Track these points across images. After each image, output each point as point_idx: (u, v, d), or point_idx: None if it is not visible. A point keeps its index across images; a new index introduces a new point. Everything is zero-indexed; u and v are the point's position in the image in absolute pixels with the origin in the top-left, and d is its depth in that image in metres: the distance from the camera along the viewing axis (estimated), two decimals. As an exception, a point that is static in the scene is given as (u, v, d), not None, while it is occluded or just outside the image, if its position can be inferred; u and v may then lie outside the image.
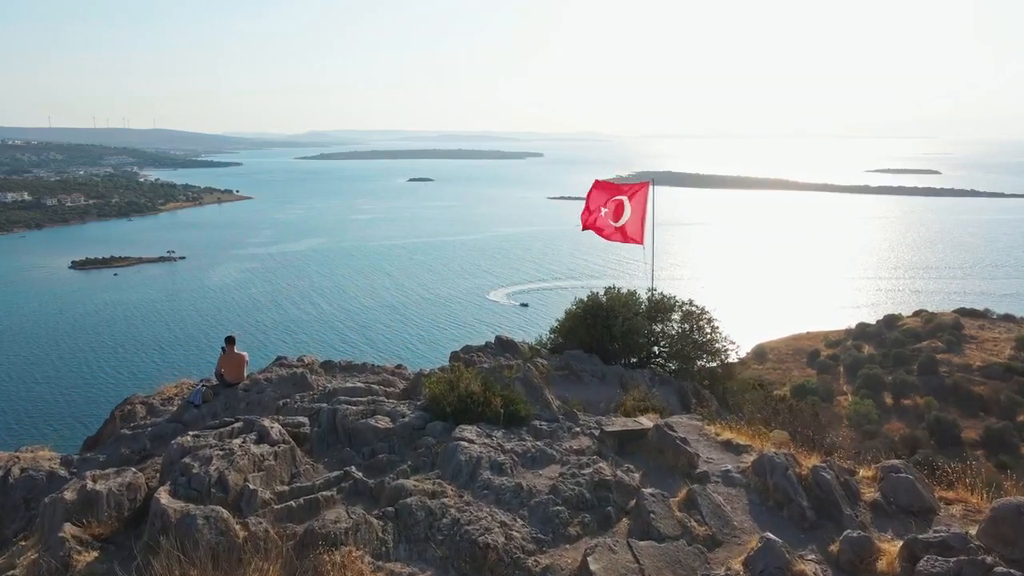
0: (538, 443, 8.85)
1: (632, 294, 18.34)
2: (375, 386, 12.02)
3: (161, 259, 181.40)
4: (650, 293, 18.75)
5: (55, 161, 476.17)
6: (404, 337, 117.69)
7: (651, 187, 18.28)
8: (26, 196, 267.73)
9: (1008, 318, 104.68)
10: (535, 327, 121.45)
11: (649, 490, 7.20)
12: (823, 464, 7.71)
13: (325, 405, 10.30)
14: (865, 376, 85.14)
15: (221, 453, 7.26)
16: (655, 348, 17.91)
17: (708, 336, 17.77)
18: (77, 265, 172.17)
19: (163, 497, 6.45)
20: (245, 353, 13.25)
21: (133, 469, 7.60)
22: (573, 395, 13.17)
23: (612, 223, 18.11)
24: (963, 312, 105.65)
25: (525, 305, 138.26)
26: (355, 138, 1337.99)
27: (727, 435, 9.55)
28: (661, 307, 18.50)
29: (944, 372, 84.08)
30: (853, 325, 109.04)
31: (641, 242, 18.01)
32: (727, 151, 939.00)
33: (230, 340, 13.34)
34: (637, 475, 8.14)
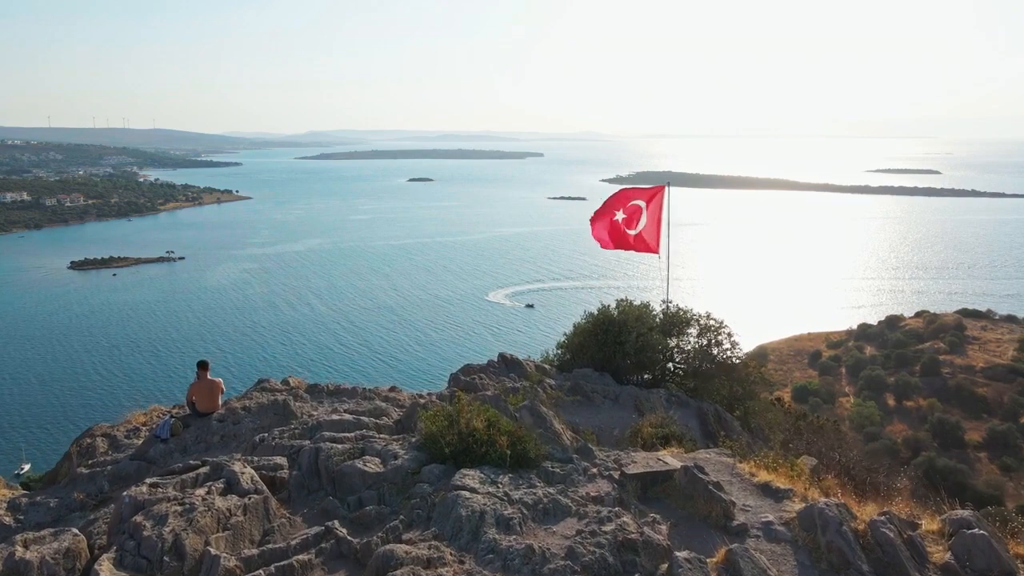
0: (550, 490, 7.74)
1: (645, 307, 16.98)
2: (365, 418, 10.67)
3: (160, 259, 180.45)
4: (665, 306, 17.48)
5: (55, 161, 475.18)
6: (402, 339, 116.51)
7: (667, 191, 17.09)
8: (25, 196, 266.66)
9: (1011, 319, 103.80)
10: (542, 328, 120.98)
11: (683, 554, 6.09)
12: (882, 517, 6.65)
13: (307, 443, 9.06)
14: (867, 377, 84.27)
15: (180, 509, 6.24)
16: (670, 364, 16.62)
17: (728, 353, 16.31)
18: (76, 265, 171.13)
19: (104, 570, 5.37)
20: (219, 380, 11.84)
21: (74, 530, 6.42)
22: (584, 420, 12.13)
23: (627, 230, 16.97)
24: (965, 313, 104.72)
25: (531, 306, 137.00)
26: (355, 138, 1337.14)
27: (764, 476, 8.68)
28: (677, 321, 17.13)
29: (947, 373, 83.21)
30: (854, 326, 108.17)
31: (657, 251, 16.95)
32: (727, 151, 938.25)
33: (203, 365, 11.92)
34: (665, 528, 7.11)
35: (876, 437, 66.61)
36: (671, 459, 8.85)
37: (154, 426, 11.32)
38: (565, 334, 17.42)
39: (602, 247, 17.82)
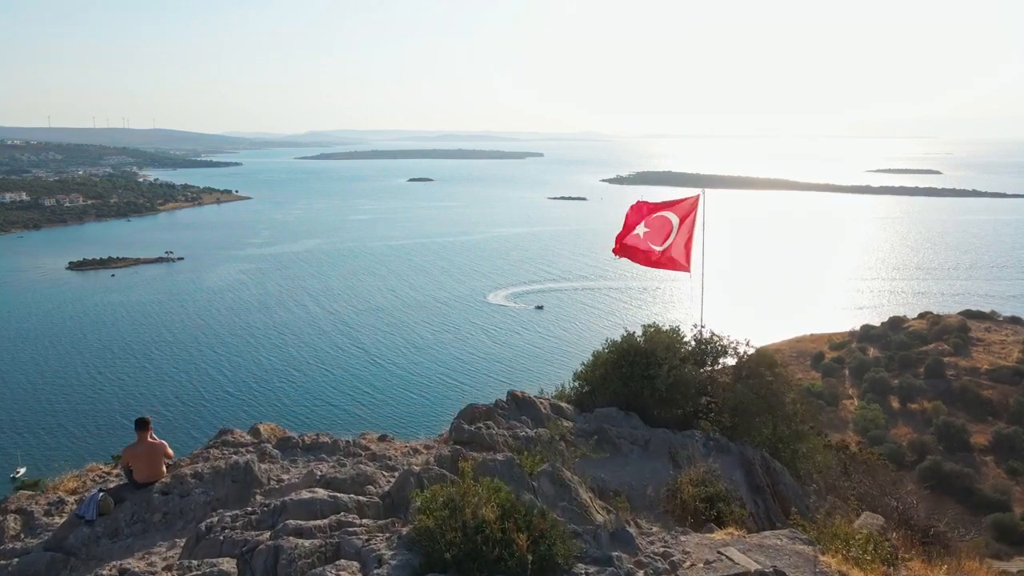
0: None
1: (675, 333, 14.86)
2: (343, 495, 8.25)
3: (159, 260, 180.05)
4: (698, 331, 15.37)
5: (54, 161, 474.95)
6: (399, 340, 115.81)
7: (702, 200, 15.16)
8: (24, 196, 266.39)
9: (1015, 320, 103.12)
10: (554, 331, 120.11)
11: None
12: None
13: (266, 536, 7.02)
14: (871, 379, 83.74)
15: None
16: (704, 397, 14.49)
17: (771, 386, 14.07)
18: (74, 266, 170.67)
19: None
20: (163, 442, 9.79)
21: None
22: (612, 475, 10.56)
23: (654, 246, 14.84)
24: (969, 314, 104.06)
25: (540, 308, 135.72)
26: (355, 138, 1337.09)
27: (856, 574, 7.34)
28: (711, 349, 15.11)
29: (951, 375, 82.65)
30: (857, 327, 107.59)
31: (688, 269, 14.94)
32: (727, 151, 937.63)
33: (142, 424, 9.64)
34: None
35: (881, 440, 66.05)
36: (737, 554, 7.34)
37: (83, 497, 9.17)
38: (583, 364, 15.42)
39: (632, 260, 15.59)
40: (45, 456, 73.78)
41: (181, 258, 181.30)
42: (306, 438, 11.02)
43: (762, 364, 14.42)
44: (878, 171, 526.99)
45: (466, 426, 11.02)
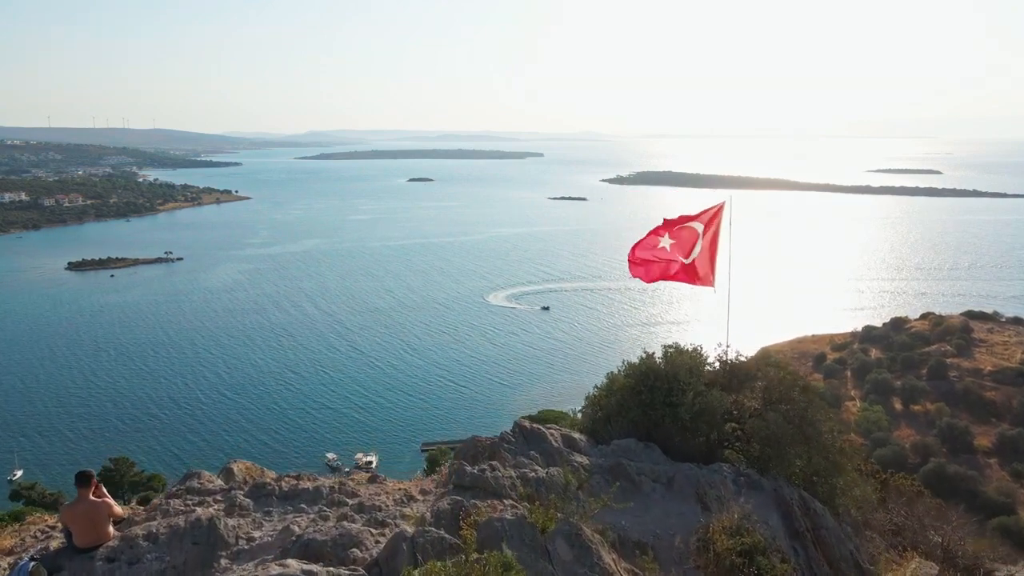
0: None
1: (698, 354, 13.27)
2: (320, 567, 6.94)
3: (158, 260, 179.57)
4: (723, 352, 13.66)
5: (54, 161, 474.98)
6: (397, 344, 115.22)
7: (728, 207, 14.01)
8: (23, 196, 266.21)
9: (1018, 321, 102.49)
10: (563, 331, 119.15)
11: None
12: None
13: None
14: (874, 381, 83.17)
15: None
16: (730, 424, 13.07)
17: (805, 413, 12.59)
18: (73, 266, 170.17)
19: None
20: (108, 501, 8.15)
21: None
22: (634, 523, 9.37)
23: (680, 258, 13.65)
24: (971, 315, 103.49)
25: (546, 308, 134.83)
26: (355, 138, 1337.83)
27: None
28: (739, 373, 13.55)
29: (954, 377, 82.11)
30: (859, 328, 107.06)
31: (712, 284, 13.74)
32: (727, 151, 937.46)
33: (83, 479, 8.05)
34: None
35: (884, 443, 65.50)
36: None
37: (17, 562, 7.71)
38: (596, 387, 13.96)
39: (644, 280, 14.24)
40: (41, 459, 73.37)
41: (180, 258, 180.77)
42: (284, 483, 9.68)
43: (794, 387, 12.95)
44: (878, 171, 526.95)
45: (468, 468, 9.80)
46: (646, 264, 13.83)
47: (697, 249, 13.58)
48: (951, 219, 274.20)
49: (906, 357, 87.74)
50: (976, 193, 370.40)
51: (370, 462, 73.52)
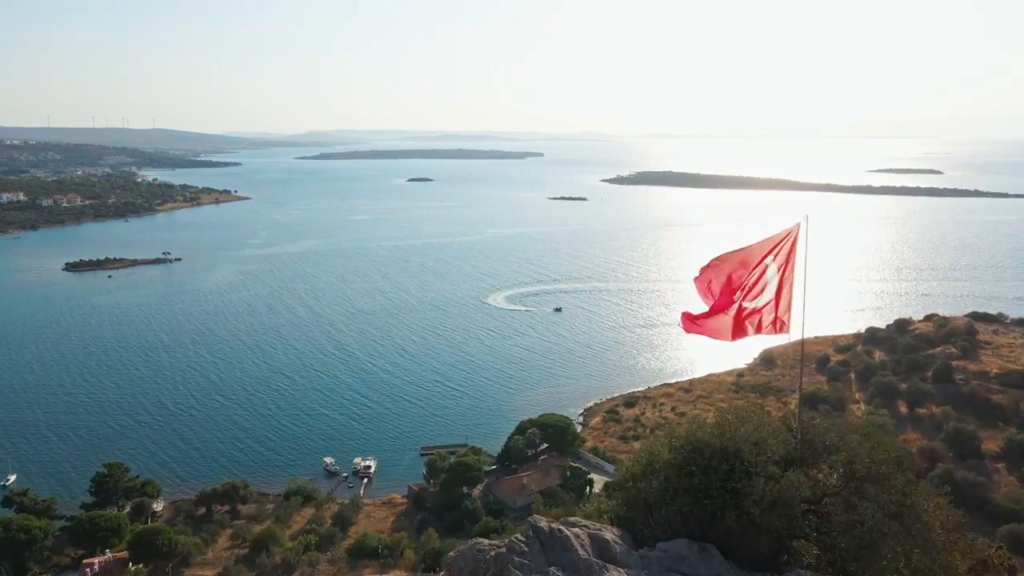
0: None
1: (763, 421, 10.20)
2: None
3: (157, 260, 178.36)
4: (795, 419, 10.60)
5: (53, 161, 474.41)
6: (393, 347, 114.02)
7: (803, 230, 11.24)
8: (22, 196, 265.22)
9: (1023, 323, 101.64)
10: (578, 336, 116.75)
11: None
12: None
13: None
14: (878, 383, 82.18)
15: None
16: (809, 515, 9.78)
17: (905, 500, 9.29)
18: (71, 267, 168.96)
19: None
20: None
21: None
22: None
23: (751, 304, 10.99)
24: (976, 316, 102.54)
25: (559, 310, 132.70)
26: (355, 138, 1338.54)
27: None
28: (817, 444, 10.18)
29: (960, 379, 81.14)
30: (862, 329, 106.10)
31: (787, 329, 11.13)
32: (727, 151, 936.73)
33: None
34: None
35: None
36: None
37: None
38: (630, 458, 11.17)
39: (685, 331, 11.27)
40: (36, 464, 72.28)
41: (179, 259, 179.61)
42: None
43: (886, 463, 9.66)
44: (879, 171, 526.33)
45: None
46: (702, 319, 10.95)
47: (771, 288, 11.00)
48: (952, 219, 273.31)
49: (911, 359, 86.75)
50: (977, 193, 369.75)
51: (368, 467, 72.48)
